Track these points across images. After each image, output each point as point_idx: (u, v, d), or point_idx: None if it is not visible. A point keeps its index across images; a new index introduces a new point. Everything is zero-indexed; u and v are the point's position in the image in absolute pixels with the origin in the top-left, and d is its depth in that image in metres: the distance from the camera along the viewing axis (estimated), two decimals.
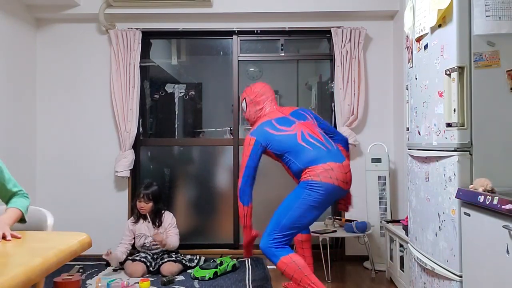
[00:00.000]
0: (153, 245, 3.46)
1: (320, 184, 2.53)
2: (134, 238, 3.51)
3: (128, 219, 3.91)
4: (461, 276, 1.92)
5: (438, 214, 2.12)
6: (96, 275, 3.30)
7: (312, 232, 3.27)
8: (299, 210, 2.54)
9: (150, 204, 3.46)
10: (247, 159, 2.67)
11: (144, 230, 3.48)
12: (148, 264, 3.32)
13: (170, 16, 3.84)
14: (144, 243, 3.46)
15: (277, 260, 2.54)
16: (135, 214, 3.54)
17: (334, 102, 3.85)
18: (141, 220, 3.50)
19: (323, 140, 2.69)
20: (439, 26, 2.11)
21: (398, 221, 3.26)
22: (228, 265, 3.38)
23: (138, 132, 3.90)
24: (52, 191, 3.93)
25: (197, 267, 3.34)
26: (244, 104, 2.91)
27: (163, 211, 3.54)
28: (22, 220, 1.85)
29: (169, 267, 3.28)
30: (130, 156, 3.80)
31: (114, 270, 3.45)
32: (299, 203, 2.55)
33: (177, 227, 3.55)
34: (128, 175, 3.81)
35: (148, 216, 3.48)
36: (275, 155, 2.72)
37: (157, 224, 3.49)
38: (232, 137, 4.03)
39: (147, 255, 3.39)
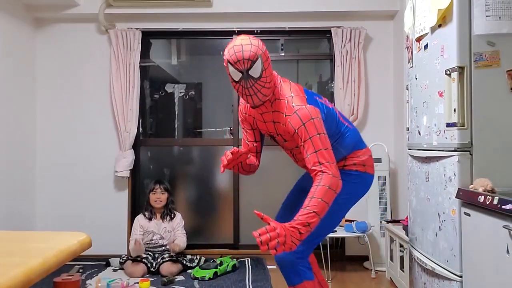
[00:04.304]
0: (159, 245, 3.48)
1: (369, 176, 2.01)
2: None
3: (129, 218, 3.91)
4: (461, 276, 1.92)
5: (438, 214, 2.12)
6: (96, 275, 3.30)
7: None
8: (339, 210, 1.98)
9: (166, 195, 3.57)
10: (326, 138, 1.80)
11: (153, 228, 3.51)
12: (149, 264, 3.33)
13: (170, 16, 3.84)
14: (152, 239, 3.48)
15: (300, 281, 1.92)
16: (149, 211, 3.57)
17: (334, 102, 3.84)
18: (154, 218, 3.55)
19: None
20: (439, 26, 2.11)
21: (398, 221, 3.26)
22: (228, 265, 3.37)
23: (138, 132, 3.89)
24: (51, 191, 3.93)
25: (197, 267, 3.34)
26: (259, 64, 1.79)
27: (174, 211, 3.63)
28: None
29: (168, 267, 3.28)
30: (130, 156, 3.80)
31: (114, 270, 3.45)
32: (341, 200, 1.96)
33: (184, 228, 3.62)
34: (128, 175, 3.81)
35: (160, 213, 3.56)
36: None
37: (167, 220, 3.55)
38: (232, 137, 4.03)
39: (148, 255, 3.39)
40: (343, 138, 2.00)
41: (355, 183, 1.99)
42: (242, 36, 1.83)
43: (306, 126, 1.78)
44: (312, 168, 1.76)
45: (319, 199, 1.68)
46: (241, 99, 2.14)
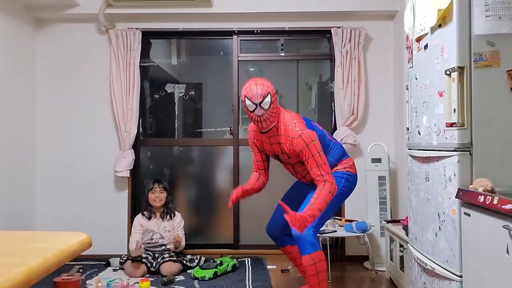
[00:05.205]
0: (159, 244, 3.48)
1: (355, 176, 2.69)
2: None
3: (129, 218, 3.91)
4: (461, 276, 1.92)
5: (438, 214, 2.12)
6: (96, 275, 3.30)
7: None
8: (335, 200, 2.58)
9: (165, 194, 3.56)
10: (323, 154, 2.47)
11: (153, 227, 3.50)
12: (149, 264, 3.33)
13: (170, 16, 3.84)
14: (152, 239, 3.48)
15: (314, 250, 2.47)
16: (148, 210, 3.56)
17: (334, 102, 3.84)
18: (153, 217, 3.54)
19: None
20: (439, 26, 2.11)
21: (398, 221, 3.26)
22: (228, 265, 3.37)
23: (138, 132, 3.90)
24: (51, 191, 3.93)
25: (197, 267, 3.34)
26: (269, 98, 2.41)
27: (173, 210, 3.62)
28: None
29: (168, 267, 3.28)
30: (130, 156, 3.80)
31: (114, 270, 3.46)
32: (341, 191, 2.63)
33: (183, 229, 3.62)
34: (128, 175, 3.81)
35: (159, 212, 3.55)
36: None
37: (167, 219, 3.54)
38: (232, 137, 4.03)
39: (148, 255, 3.39)
40: (332, 151, 2.66)
41: (348, 180, 2.65)
42: (256, 78, 2.48)
43: (309, 147, 2.44)
44: (317, 178, 2.44)
45: (322, 200, 2.38)
46: (249, 129, 2.75)
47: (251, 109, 2.43)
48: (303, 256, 2.48)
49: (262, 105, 2.39)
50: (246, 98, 2.42)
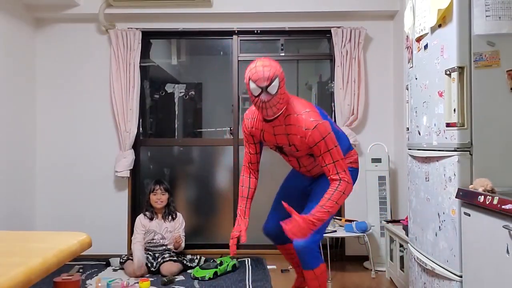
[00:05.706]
0: (160, 244, 3.48)
1: (357, 171, 2.48)
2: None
3: (129, 218, 3.91)
4: (461, 276, 1.92)
5: (438, 214, 2.12)
6: (96, 275, 3.30)
7: None
8: None
9: (166, 195, 3.56)
10: (339, 148, 2.21)
11: (155, 227, 3.51)
12: (149, 264, 3.33)
13: (170, 16, 3.84)
14: (154, 239, 3.48)
15: (318, 264, 2.30)
16: (150, 211, 3.56)
17: (334, 102, 3.84)
18: (155, 218, 3.54)
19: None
20: (439, 26, 2.11)
21: (398, 221, 3.26)
22: (228, 265, 3.37)
23: (138, 132, 3.90)
24: (51, 191, 3.93)
25: (197, 267, 3.34)
26: (277, 82, 2.08)
27: (175, 211, 3.63)
28: None
29: (169, 267, 3.28)
30: (130, 156, 3.80)
31: (114, 270, 3.46)
32: None
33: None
34: (128, 175, 3.81)
35: (161, 213, 3.56)
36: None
37: (169, 220, 3.54)
38: (232, 137, 4.03)
39: (148, 255, 3.39)
40: (339, 142, 2.37)
41: (351, 177, 2.43)
42: (263, 59, 2.13)
43: (326, 141, 2.14)
44: (332, 177, 2.18)
45: (334, 202, 2.13)
46: (245, 116, 2.43)
47: (256, 94, 2.09)
48: (305, 271, 2.31)
49: (268, 89, 2.06)
50: (250, 81, 2.08)
